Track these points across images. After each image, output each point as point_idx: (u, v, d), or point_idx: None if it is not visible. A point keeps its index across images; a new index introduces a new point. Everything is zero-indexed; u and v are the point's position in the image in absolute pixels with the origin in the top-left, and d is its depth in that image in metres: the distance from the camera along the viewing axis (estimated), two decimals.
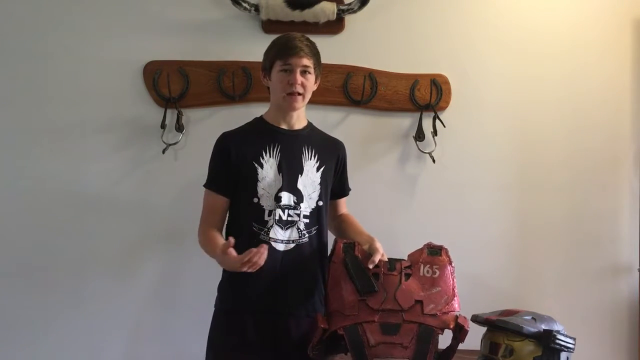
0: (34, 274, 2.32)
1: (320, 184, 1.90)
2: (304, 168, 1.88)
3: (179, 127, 2.31)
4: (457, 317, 1.77)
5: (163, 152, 2.30)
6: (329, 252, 1.89)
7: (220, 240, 1.81)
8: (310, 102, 2.31)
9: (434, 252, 1.86)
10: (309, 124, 1.97)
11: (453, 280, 1.83)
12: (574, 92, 2.41)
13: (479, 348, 1.90)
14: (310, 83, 1.88)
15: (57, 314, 2.32)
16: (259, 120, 1.94)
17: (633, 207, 2.42)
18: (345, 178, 2.03)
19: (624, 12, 2.42)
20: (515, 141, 2.41)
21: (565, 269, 2.40)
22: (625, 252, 2.41)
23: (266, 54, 1.90)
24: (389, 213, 2.36)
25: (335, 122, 2.37)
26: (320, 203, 1.89)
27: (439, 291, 1.80)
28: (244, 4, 2.29)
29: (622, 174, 2.43)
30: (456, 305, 1.81)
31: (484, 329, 1.90)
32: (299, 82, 1.83)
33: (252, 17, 2.34)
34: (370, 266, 1.78)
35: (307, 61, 1.84)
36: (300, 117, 1.93)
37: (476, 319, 1.89)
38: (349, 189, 2.06)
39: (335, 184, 1.98)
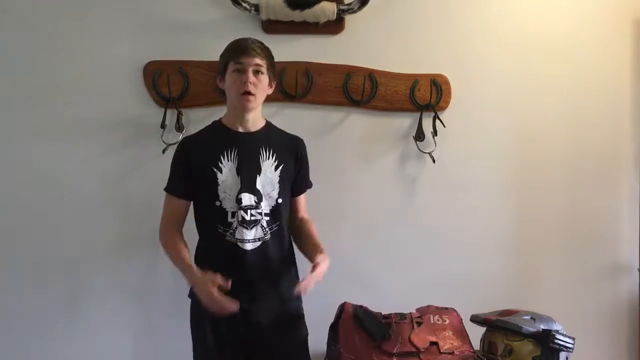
0: (33, 272, 2.33)
1: (279, 182, 1.93)
2: (262, 168, 1.91)
3: (179, 127, 2.31)
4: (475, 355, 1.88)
5: (163, 152, 2.30)
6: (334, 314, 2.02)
7: (186, 254, 1.87)
8: (310, 102, 2.34)
9: (442, 308, 2.01)
10: (267, 124, 1.99)
11: (463, 327, 1.96)
12: (573, 92, 2.41)
13: (478, 348, 1.90)
14: (263, 84, 1.89)
15: (56, 313, 2.33)
16: (217, 124, 1.97)
17: (633, 207, 2.42)
18: (305, 174, 2.04)
19: (624, 12, 2.42)
20: (515, 141, 2.41)
21: (565, 268, 2.40)
22: (625, 252, 2.41)
23: (220, 57, 1.93)
24: (389, 213, 2.36)
25: (335, 122, 2.37)
26: (280, 200, 1.92)
27: (451, 334, 1.93)
28: (244, 4, 2.29)
29: (622, 174, 2.43)
30: (470, 347, 1.90)
31: (483, 329, 1.90)
32: (251, 80, 1.85)
33: (252, 17, 2.34)
34: (295, 292, 1.80)
35: (259, 60, 1.87)
36: (256, 119, 1.95)
37: (475, 319, 1.89)
38: (310, 186, 2.06)
39: (295, 181, 1.99)
